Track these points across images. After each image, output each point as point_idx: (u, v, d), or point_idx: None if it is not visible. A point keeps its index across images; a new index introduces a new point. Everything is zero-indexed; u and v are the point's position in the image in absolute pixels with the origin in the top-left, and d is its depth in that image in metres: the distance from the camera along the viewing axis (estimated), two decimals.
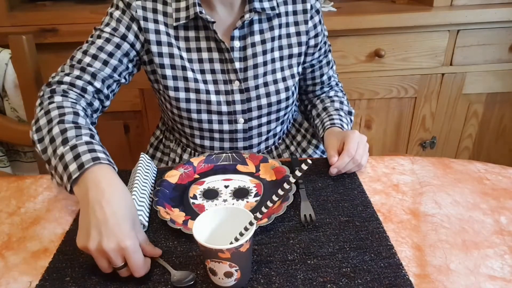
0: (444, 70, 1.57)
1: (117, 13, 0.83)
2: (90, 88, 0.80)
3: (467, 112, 1.67)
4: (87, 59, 0.81)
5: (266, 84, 0.90)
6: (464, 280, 0.59)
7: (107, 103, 0.85)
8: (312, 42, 0.93)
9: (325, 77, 1.02)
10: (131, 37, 0.83)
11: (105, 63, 0.81)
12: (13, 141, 1.19)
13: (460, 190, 0.78)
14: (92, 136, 0.68)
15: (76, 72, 0.80)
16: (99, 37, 0.82)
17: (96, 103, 0.82)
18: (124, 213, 0.59)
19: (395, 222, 0.70)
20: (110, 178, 0.62)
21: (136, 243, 0.57)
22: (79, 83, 0.79)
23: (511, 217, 0.71)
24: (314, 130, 1.04)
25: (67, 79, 0.79)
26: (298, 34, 0.91)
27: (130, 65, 0.86)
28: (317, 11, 0.92)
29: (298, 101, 1.11)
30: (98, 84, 0.81)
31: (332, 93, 1.04)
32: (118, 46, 0.82)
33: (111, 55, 0.82)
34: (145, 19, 0.83)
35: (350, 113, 1.00)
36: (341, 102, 1.01)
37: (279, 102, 0.91)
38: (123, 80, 0.87)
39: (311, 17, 0.91)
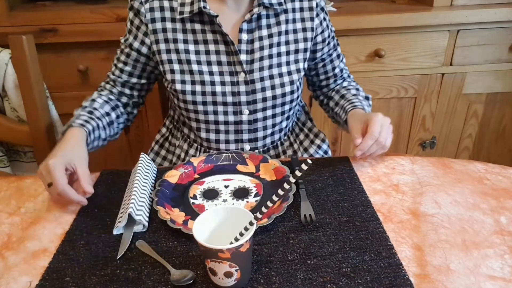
0: (444, 70, 1.57)
1: (129, 25, 0.92)
2: (115, 90, 0.98)
3: (467, 112, 1.66)
4: (117, 73, 0.97)
5: (271, 77, 0.91)
6: (464, 280, 0.59)
7: (136, 99, 1.01)
8: (319, 38, 0.96)
9: (337, 70, 1.04)
10: (144, 49, 0.92)
11: (130, 75, 0.96)
12: (13, 141, 1.19)
13: (460, 190, 0.78)
14: (90, 112, 0.88)
15: (111, 83, 0.99)
16: (122, 51, 0.95)
17: (124, 99, 0.99)
18: (63, 150, 0.77)
19: (395, 222, 0.70)
20: (73, 134, 0.82)
21: (57, 162, 0.72)
22: (109, 87, 0.98)
23: (511, 217, 0.71)
24: (335, 119, 1.04)
25: (104, 84, 1.00)
26: (304, 30, 0.93)
27: (150, 73, 0.98)
28: (322, 9, 0.95)
29: (302, 101, 1.12)
30: (127, 91, 0.99)
31: (346, 84, 1.06)
32: (136, 61, 0.94)
33: (133, 67, 0.95)
34: (153, 20, 0.88)
35: (367, 98, 1.01)
36: (357, 89, 1.02)
37: (283, 95, 0.93)
38: (145, 81, 0.99)
39: (317, 14, 0.94)
